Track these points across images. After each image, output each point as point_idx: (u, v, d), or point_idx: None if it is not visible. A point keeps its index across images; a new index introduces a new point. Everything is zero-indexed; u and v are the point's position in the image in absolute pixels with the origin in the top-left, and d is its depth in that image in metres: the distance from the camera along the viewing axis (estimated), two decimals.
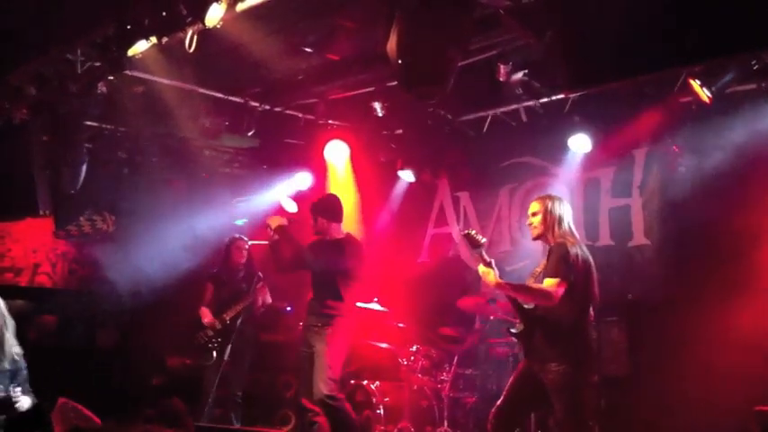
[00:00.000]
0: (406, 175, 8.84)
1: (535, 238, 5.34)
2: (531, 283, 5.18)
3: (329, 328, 6.19)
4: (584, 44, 5.67)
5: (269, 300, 7.73)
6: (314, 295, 6.44)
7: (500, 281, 5.08)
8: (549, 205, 5.28)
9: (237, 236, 7.84)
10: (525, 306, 5.18)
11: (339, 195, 6.82)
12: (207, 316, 7.49)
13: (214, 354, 7.33)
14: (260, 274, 7.51)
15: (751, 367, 6.10)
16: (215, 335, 7.39)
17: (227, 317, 7.37)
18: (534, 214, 5.32)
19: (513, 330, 5.27)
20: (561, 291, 4.94)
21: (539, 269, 5.25)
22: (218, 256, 7.94)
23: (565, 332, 5.01)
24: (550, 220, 5.24)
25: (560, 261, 5.01)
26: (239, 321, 7.26)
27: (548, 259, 5.13)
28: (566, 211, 5.30)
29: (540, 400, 5.26)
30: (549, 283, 4.97)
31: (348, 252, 6.34)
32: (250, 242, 7.60)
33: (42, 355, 7.95)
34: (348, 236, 6.53)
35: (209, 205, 8.79)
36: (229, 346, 7.05)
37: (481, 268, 5.12)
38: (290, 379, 8.52)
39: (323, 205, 6.56)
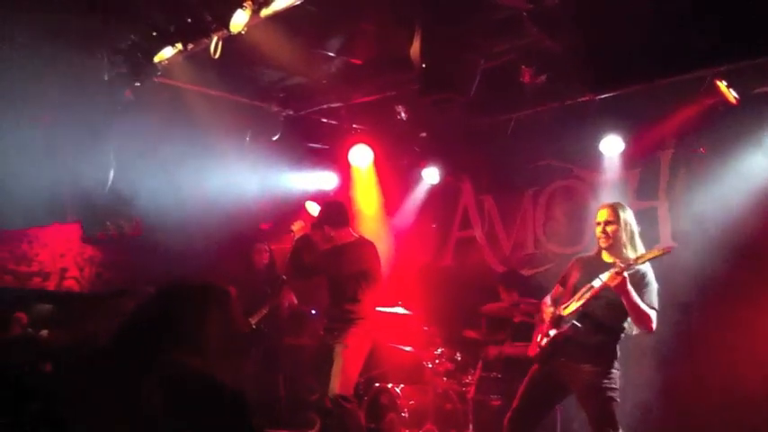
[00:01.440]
0: (430, 175, 8.82)
1: (606, 249, 5.15)
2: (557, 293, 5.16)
3: (348, 331, 6.22)
4: (607, 46, 5.66)
5: (294, 302, 7.76)
6: (331, 300, 6.48)
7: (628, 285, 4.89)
8: (624, 215, 5.15)
9: (259, 239, 7.87)
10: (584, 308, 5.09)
11: (342, 200, 6.85)
12: None
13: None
14: (284, 276, 7.54)
15: None
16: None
17: (253, 321, 7.41)
18: (609, 223, 5.12)
19: (576, 324, 5.11)
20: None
21: (595, 285, 5.05)
22: (240, 260, 7.98)
23: (610, 338, 5.05)
24: (629, 233, 5.12)
25: (654, 290, 4.99)
26: (263, 325, 7.29)
27: (637, 281, 4.96)
28: (635, 222, 5.21)
29: (556, 401, 5.25)
30: (652, 313, 4.91)
31: (361, 254, 6.37)
32: (274, 246, 7.64)
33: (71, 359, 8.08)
34: (360, 238, 6.56)
35: (236, 209, 8.84)
36: (252, 350, 7.09)
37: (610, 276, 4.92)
38: (314, 382, 8.53)
39: (326, 214, 6.59)
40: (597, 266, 5.14)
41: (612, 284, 4.88)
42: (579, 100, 7.39)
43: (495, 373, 7.32)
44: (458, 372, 7.43)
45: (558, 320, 5.21)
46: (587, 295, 5.06)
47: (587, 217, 7.98)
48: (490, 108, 8.03)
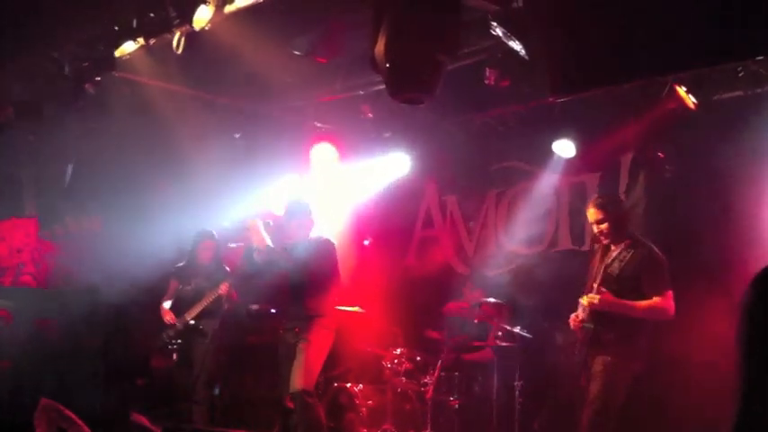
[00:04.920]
0: (394, 169, 8.76)
1: (610, 243, 5.42)
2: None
3: (310, 328, 6.21)
4: (571, 50, 5.70)
5: (233, 297, 7.47)
6: (292, 298, 6.46)
7: (614, 300, 5.19)
8: (610, 207, 5.42)
9: (207, 235, 7.69)
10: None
11: (308, 199, 6.85)
12: (168, 314, 7.39)
13: (174, 355, 7.24)
14: (227, 269, 7.43)
15: (729, 369, 6.11)
16: (175, 335, 7.28)
17: (189, 317, 7.26)
18: (599, 221, 5.39)
19: (587, 326, 5.37)
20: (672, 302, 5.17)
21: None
22: (186, 252, 7.82)
23: (630, 329, 5.26)
24: (617, 222, 5.38)
25: (665, 271, 5.23)
26: (201, 322, 7.18)
27: (639, 264, 5.23)
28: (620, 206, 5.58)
29: None
30: (660, 301, 5.17)
31: (322, 253, 6.38)
32: (233, 244, 7.52)
33: (28, 356, 7.96)
34: (320, 237, 6.57)
35: (196, 206, 8.75)
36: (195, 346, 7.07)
37: (585, 299, 5.26)
38: (275, 381, 8.49)
39: (292, 211, 6.59)
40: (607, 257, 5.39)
41: (596, 307, 5.20)
42: (542, 103, 7.45)
43: (454, 374, 7.35)
44: (417, 372, 7.45)
45: (581, 326, 5.43)
46: (588, 304, 5.32)
47: (549, 219, 8.06)
48: (455, 109, 8.05)
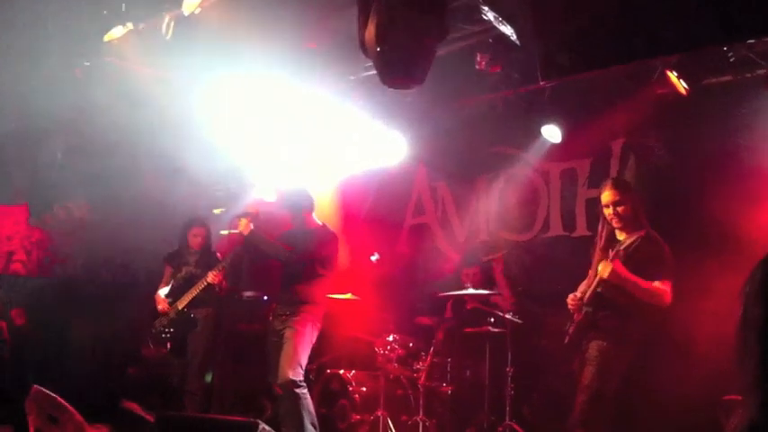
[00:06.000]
0: (388, 147, 8.72)
1: (619, 228, 5.36)
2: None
3: (298, 315, 6.21)
4: (559, 34, 5.69)
5: (223, 285, 7.44)
6: (284, 284, 6.47)
7: (624, 272, 5.13)
8: (629, 190, 5.37)
9: (197, 221, 7.64)
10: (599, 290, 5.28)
11: (305, 187, 6.83)
12: (161, 303, 7.35)
13: (168, 344, 7.23)
14: (218, 256, 7.40)
15: (723, 359, 6.12)
16: (168, 324, 7.26)
17: (180, 305, 7.23)
18: (618, 203, 5.31)
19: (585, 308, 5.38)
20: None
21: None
22: (177, 238, 7.77)
23: (629, 317, 5.28)
24: (637, 206, 5.33)
25: (669, 261, 5.22)
26: (193, 310, 7.16)
27: (644, 252, 5.20)
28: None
29: None
30: (661, 285, 5.16)
31: (321, 241, 6.38)
32: (225, 231, 7.48)
33: (18, 344, 7.94)
34: (324, 226, 6.57)
35: (187, 193, 8.72)
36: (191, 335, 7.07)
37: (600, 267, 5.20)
38: (265, 368, 8.49)
39: (295, 198, 6.59)
40: (613, 246, 5.32)
41: (606, 276, 5.12)
42: (532, 88, 7.43)
43: (446, 360, 7.36)
44: (409, 358, 7.45)
45: (580, 306, 5.41)
46: (596, 279, 5.28)
47: (539, 204, 8.07)
48: (445, 95, 8.03)
